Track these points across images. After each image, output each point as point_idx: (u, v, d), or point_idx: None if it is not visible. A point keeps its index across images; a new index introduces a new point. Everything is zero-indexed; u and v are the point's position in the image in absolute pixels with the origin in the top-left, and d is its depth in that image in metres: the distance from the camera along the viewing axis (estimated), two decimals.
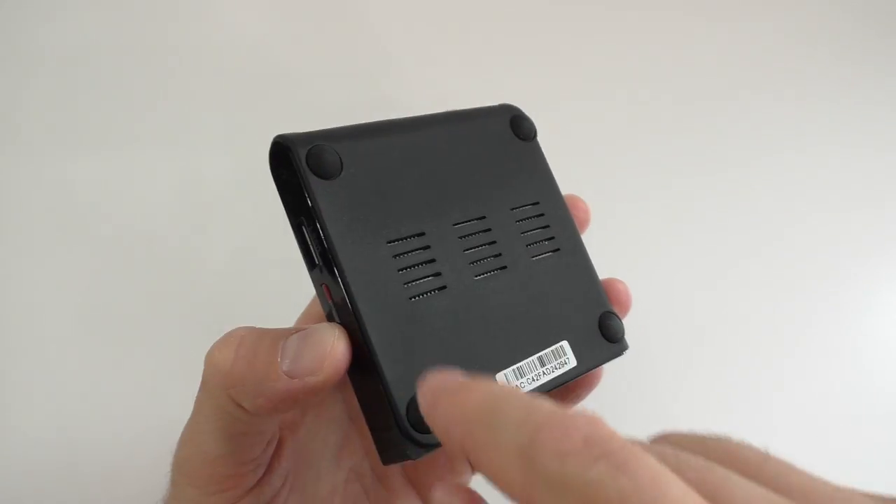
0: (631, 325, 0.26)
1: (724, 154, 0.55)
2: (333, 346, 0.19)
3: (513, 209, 0.24)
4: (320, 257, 0.20)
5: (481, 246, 0.23)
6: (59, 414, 0.35)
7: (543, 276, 0.24)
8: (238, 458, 0.21)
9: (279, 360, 0.19)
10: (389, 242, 0.21)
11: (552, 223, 0.25)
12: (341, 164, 0.20)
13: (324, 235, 0.19)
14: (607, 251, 0.44)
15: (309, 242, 0.20)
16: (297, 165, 0.20)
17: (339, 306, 0.20)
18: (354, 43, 0.47)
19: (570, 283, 0.24)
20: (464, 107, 0.26)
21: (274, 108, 0.44)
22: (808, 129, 0.58)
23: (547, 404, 0.13)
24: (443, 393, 0.15)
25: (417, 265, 0.21)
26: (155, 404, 0.35)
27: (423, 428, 0.19)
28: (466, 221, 0.23)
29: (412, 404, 0.19)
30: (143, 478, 0.34)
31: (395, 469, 0.27)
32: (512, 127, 0.25)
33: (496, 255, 0.23)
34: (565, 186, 0.27)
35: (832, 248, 0.54)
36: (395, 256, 0.20)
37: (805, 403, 0.47)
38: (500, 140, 0.25)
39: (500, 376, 0.21)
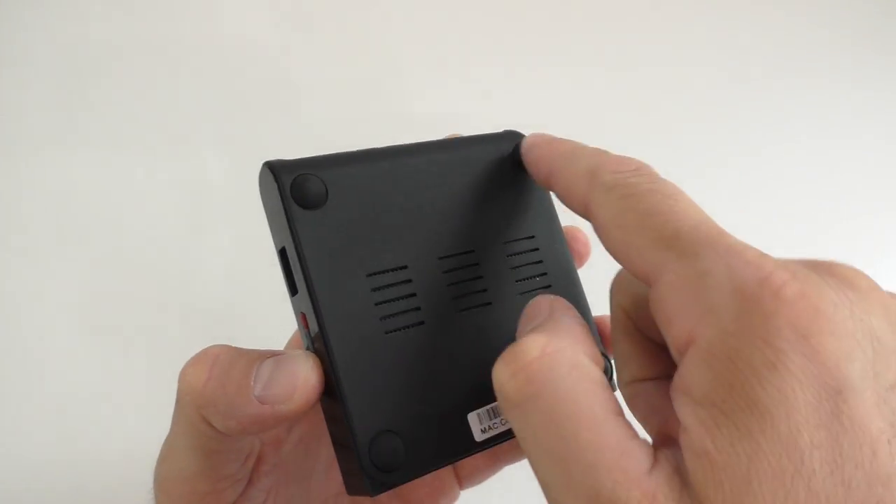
0: None
1: (730, 147, 0.55)
2: (306, 378, 0.19)
3: (505, 243, 0.23)
4: (300, 285, 0.20)
5: (467, 281, 0.22)
6: (57, 414, 0.35)
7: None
8: (214, 474, 0.21)
9: (252, 384, 0.19)
10: (369, 275, 0.20)
11: (546, 258, 0.24)
12: (326, 193, 0.20)
13: (301, 266, 0.19)
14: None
15: (286, 271, 0.21)
16: (280, 194, 0.20)
17: (313, 336, 0.20)
18: (359, 51, 0.47)
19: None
20: (465, 123, 0.25)
21: (274, 111, 0.44)
22: (809, 119, 0.58)
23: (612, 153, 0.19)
24: (541, 139, 0.22)
25: (397, 299, 0.21)
26: (154, 406, 0.36)
27: (385, 467, 0.19)
28: (453, 255, 0.22)
29: (376, 442, 0.19)
30: (141, 480, 0.35)
31: None
32: (514, 155, 0.24)
33: (481, 291, 0.22)
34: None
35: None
36: (374, 290, 0.20)
37: None
38: (500, 169, 0.24)
39: (471, 416, 0.21)
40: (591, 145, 0.20)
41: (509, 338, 0.21)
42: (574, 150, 0.20)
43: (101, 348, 0.37)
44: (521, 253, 0.23)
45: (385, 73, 0.47)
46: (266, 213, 0.21)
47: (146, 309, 0.38)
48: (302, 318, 0.20)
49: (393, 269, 0.21)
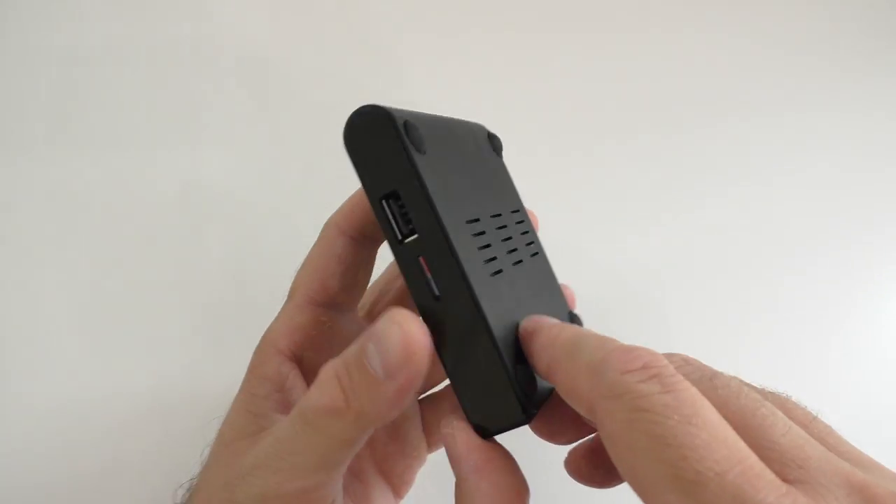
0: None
1: (722, 143, 0.56)
2: (408, 329, 0.19)
3: (511, 212, 0.26)
4: (413, 229, 0.20)
5: (505, 240, 0.23)
6: (58, 411, 0.35)
7: (536, 275, 0.25)
8: (337, 475, 0.21)
9: (372, 372, 0.19)
10: (468, 222, 0.21)
11: (528, 229, 0.27)
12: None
13: (429, 205, 0.19)
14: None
15: (393, 217, 0.20)
16: (399, 134, 0.20)
17: (441, 276, 0.20)
18: (358, 48, 0.48)
19: (548, 284, 0.26)
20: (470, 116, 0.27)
21: (274, 109, 0.45)
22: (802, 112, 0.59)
23: (617, 341, 0.17)
24: (542, 327, 0.20)
25: (484, 247, 0.21)
26: (154, 403, 0.36)
27: (529, 394, 0.19)
28: (495, 216, 0.23)
29: (518, 372, 0.19)
30: (142, 474, 0.35)
31: (367, 463, 0.28)
32: (490, 142, 0.27)
33: (514, 250, 0.24)
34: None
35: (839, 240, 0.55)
36: (473, 235, 0.21)
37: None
38: (488, 152, 0.27)
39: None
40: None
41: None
42: (576, 340, 0.18)
43: (101, 348, 0.37)
44: (519, 223, 0.26)
45: (384, 68, 0.48)
46: (356, 162, 0.21)
47: (146, 309, 0.38)
48: (423, 262, 0.20)
49: (475, 220, 0.21)
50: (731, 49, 0.59)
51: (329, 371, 0.20)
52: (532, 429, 0.22)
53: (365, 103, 0.20)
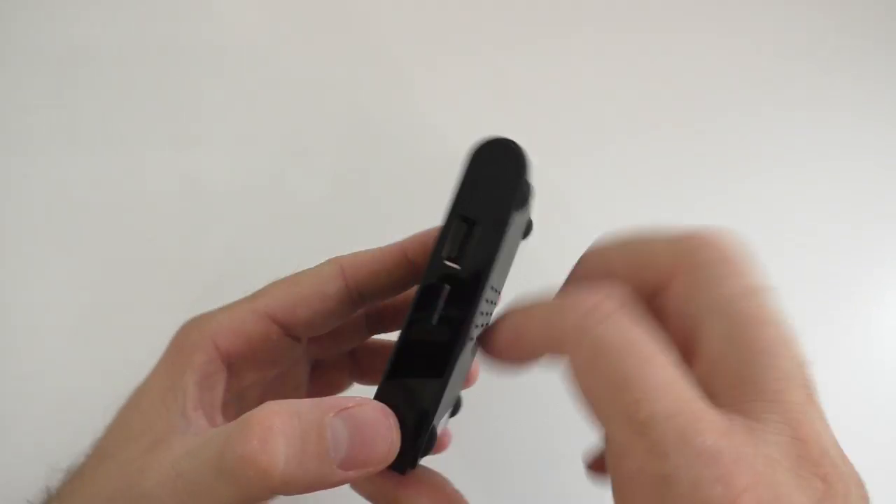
0: None
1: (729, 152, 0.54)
2: (393, 442, 0.18)
3: (496, 292, 0.25)
4: (458, 259, 0.20)
5: (485, 314, 0.23)
6: (58, 412, 0.35)
7: (463, 363, 0.24)
8: None
9: (330, 451, 0.17)
10: (493, 289, 0.21)
11: (492, 312, 0.25)
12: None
13: (492, 257, 0.20)
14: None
15: (454, 237, 0.21)
16: (519, 185, 0.20)
17: (449, 314, 0.20)
18: (359, 50, 0.48)
19: (467, 365, 0.25)
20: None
21: (275, 111, 0.45)
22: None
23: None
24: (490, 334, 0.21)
25: (483, 313, 0.22)
26: None
27: (431, 441, 0.20)
28: (494, 290, 0.23)
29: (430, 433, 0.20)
30: None
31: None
32: (527, 226, 0.26)
33: (478, 326, 0.23)
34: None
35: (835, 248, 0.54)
36: (487, 300, 0.21)
37: None
38: (520, 232, 0.25)
39: (440, 422, 0.22)
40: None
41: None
42: (529, 306, 0.20)
43: (100, 349, 0.37)
44: (493, 303, 0.24)
45: (385, 69, 0.48)
46: (471, 174, 0.21)
47: (146, 310, 0.38)
48: (443, 295, 0.20)
49: (492, 288, 0.22)
50: (744, 48, 0.57)
51: (273, 424, 0.17)
52: (498, 355, 0.22)
53: (508, 136, 0.21)
